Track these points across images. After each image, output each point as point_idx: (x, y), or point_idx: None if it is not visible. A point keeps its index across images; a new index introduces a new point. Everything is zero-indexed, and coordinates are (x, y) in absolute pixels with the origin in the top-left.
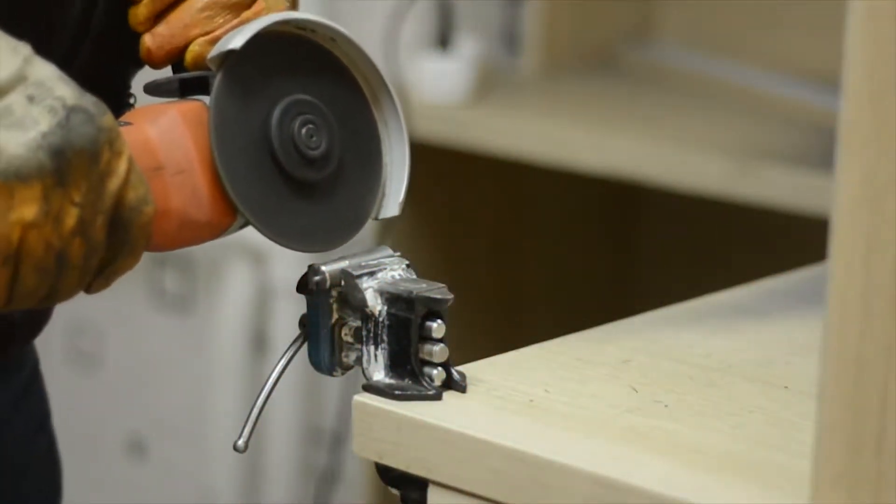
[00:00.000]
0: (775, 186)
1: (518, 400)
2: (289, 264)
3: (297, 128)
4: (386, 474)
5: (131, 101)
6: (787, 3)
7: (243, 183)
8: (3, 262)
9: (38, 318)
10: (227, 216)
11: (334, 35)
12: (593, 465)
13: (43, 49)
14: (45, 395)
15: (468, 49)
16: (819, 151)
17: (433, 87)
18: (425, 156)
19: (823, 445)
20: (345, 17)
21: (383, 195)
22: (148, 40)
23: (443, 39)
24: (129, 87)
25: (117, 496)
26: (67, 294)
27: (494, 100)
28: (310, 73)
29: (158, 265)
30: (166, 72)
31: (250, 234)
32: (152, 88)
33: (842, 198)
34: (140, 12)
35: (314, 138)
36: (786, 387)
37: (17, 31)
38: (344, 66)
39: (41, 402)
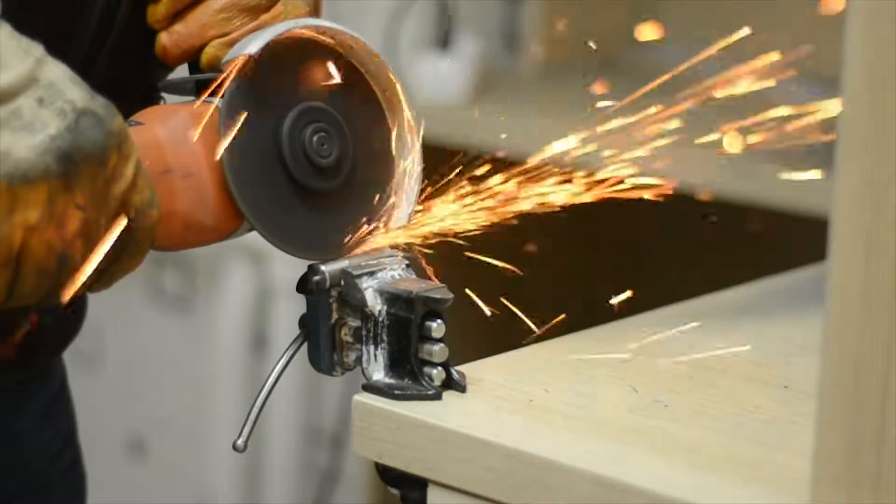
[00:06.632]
0: (775, 186)
1: (518, 400)
2: (289, 264)
3: (309, 136)
4: (386, 474)
5: (161, 103)
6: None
7: (251, 189)
8: (4, 264)
9: (65, 331)
10: (233, 221)
11: (353, 42)
12: (593, 465)
13: (62, 50)
14: (73, 409)
15: (468, 49)
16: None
17: (433, 87)
18: (424, 156)
19: (823, 445)
20: (345, 17)
21: (393, 205)
22: (164, 38)
23: (443, 39)
24: (157, 87)
25: (117, 496)
26: (69, 294)
27: (494, 100)
28: (325, 80)
29: (158, 265)
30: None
31: (251, 234)
32: (168, 87)
33: (842, 198)
34: (159, 10)
35: (325, 146)
36: (786, 387)
37: (37, 33)
38: (361, 74)
39: (68, 417)
